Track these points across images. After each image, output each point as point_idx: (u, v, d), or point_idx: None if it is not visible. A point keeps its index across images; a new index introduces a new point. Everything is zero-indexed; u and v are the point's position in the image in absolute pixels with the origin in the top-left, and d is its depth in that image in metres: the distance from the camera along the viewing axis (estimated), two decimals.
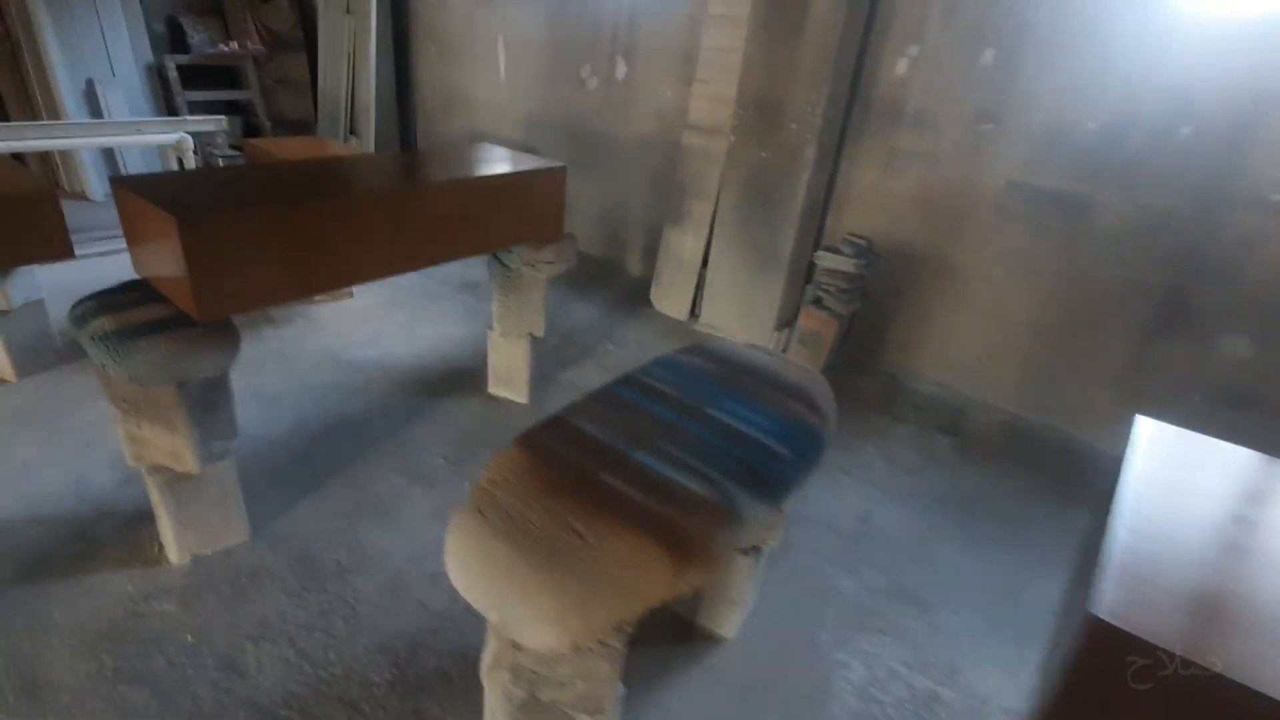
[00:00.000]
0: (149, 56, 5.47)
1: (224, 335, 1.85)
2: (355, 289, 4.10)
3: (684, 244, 4.14)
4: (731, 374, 1.79)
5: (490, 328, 3.09)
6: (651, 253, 4.74)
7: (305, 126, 6.41)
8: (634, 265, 4.90)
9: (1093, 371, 3.15)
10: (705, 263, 4.08)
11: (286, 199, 1.94)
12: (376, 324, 3.79)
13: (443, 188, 2.29)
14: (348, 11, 5.55)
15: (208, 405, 1.97)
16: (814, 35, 3.23)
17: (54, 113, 5.00)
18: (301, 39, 6.17)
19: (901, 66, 3.36)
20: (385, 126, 5.88)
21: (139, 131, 4.30)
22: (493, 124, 5.51)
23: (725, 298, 3.95)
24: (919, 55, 3.29)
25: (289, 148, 3.78)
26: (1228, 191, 2.68)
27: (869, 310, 3.74)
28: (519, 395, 3.17)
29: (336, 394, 3.07)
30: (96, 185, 5.21)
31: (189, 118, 4.47)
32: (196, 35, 5.72)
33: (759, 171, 3.61)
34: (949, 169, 3.33)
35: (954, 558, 2.45)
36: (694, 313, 4.20)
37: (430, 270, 4.47)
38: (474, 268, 4.65)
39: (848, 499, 2.71)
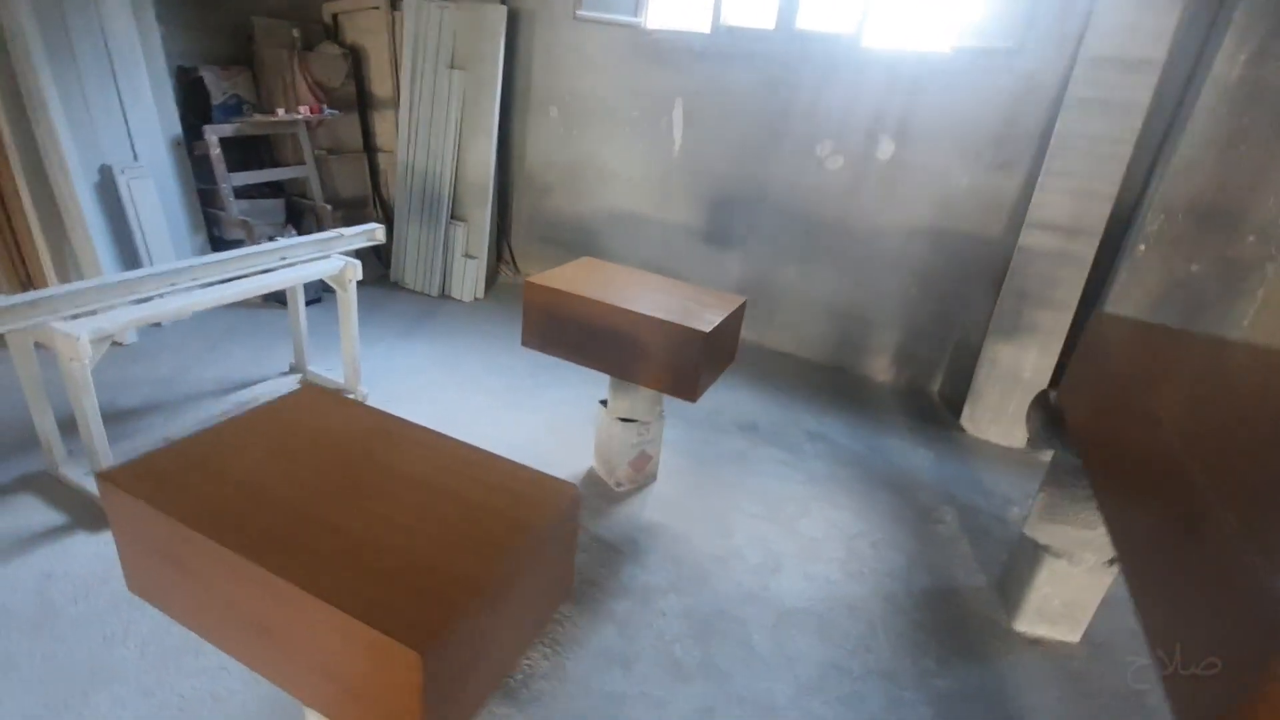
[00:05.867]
0: (176, 129, 3.69)
1: None
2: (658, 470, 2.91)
3: (1022, 360, 3.42)
4: None
5: (1053, 554, 2.18)
6: (907, 357, 3.97)
7: (360, 205, 4.80)
8: (879, 371, 4.09)
9: None
10: (1052, 383, 3.41)
11: None
12: (737, 529, 2.67)
13: None
14: (452, 65, 4.15)
15: None
16: None
17: (54, 222, 3.16)
18: (354, 95, 4.58)
19: None
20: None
21: (283, 260, 2.75)
22: (651, 204, 4.40)
23: None
24: None
25: (573, 278, 2.54)
26: None
27: None
28: (1070, 633, 2.28)
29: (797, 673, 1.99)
30: None
31: (343, 230, 2.95)
32: (223, 94, 3.99)
33: (1182, 287, 2.99)
34: None
35: None
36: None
37: (681, 408, 3.36)
38: (738, 400, 3.58)
39: None
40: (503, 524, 1.20)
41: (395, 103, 4.60)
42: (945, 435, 3.55)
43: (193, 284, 2.47)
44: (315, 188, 4.33)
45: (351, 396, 3.15)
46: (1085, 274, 3.25)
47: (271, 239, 4.02)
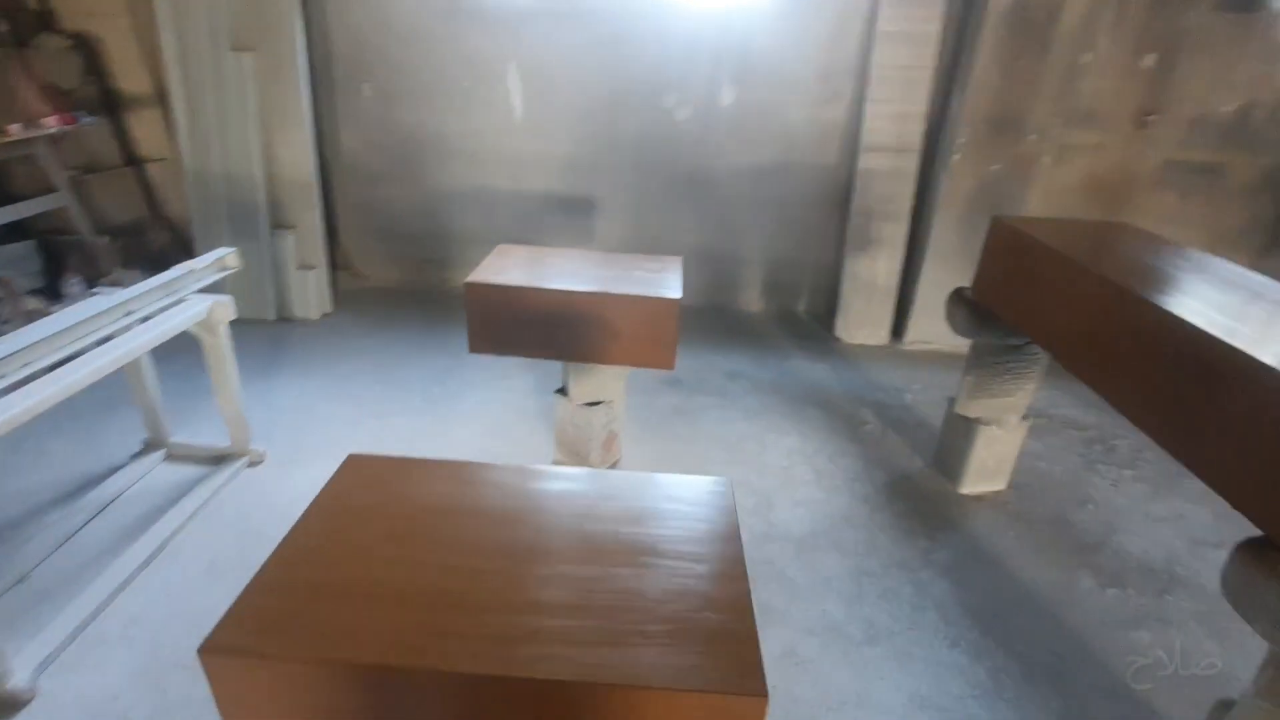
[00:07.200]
0: None
1: None
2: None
3: (875, 270, 3.85)
4: None
5: (984, 423, 2.55)
6: (774, 286, 4.29)
7: (139, 231, 3.83)
8: (751, 303, 4.35)
9: None
10: (903, 283, 3.89)
11: None
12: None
13: None
14: (237, 47, 3.43)
15: None
16: (1060, 51, 3.27)
17: None
18: (98, 97, 3.58)
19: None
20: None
21: (128, 316, 2.14)
22: (500, 177, 4.12)
23: (939, 312, 3.83)
24: (1090, 62, 3.58)
25: (508, 270, 2.34)
26: None
27: None
28: (1000, 483, 2.71)
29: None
30: None
31: (192, 264, 2.34)
32: None
33: (988, 185, 3.55)
34: (1113, 156, 3.75)
35: None
36: (896, 335, 3.99)
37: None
38: None
39: None
40: (699, 538, 1.11)
41: (159, 100, 3.70)
42: (827, 347, 3.91)
43: (22, 372, 1.83)
44: (79, 218, 3.38)
45: (245, 460, 2.61)
46: (913, 186, 3.72)
47: (38, 293, 3.13)
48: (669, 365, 2.30)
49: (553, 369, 3.35)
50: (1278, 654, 1.26)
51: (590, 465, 2.64)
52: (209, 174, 3.58)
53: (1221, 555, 2.37)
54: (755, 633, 0.93)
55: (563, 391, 2.60)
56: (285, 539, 1.09)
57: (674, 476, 1.28)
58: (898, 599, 2.14)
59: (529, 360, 3.34)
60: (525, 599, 0.98)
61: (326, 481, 1.23)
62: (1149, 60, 3.52)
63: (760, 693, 0.85)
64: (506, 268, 2.39)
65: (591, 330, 2.25)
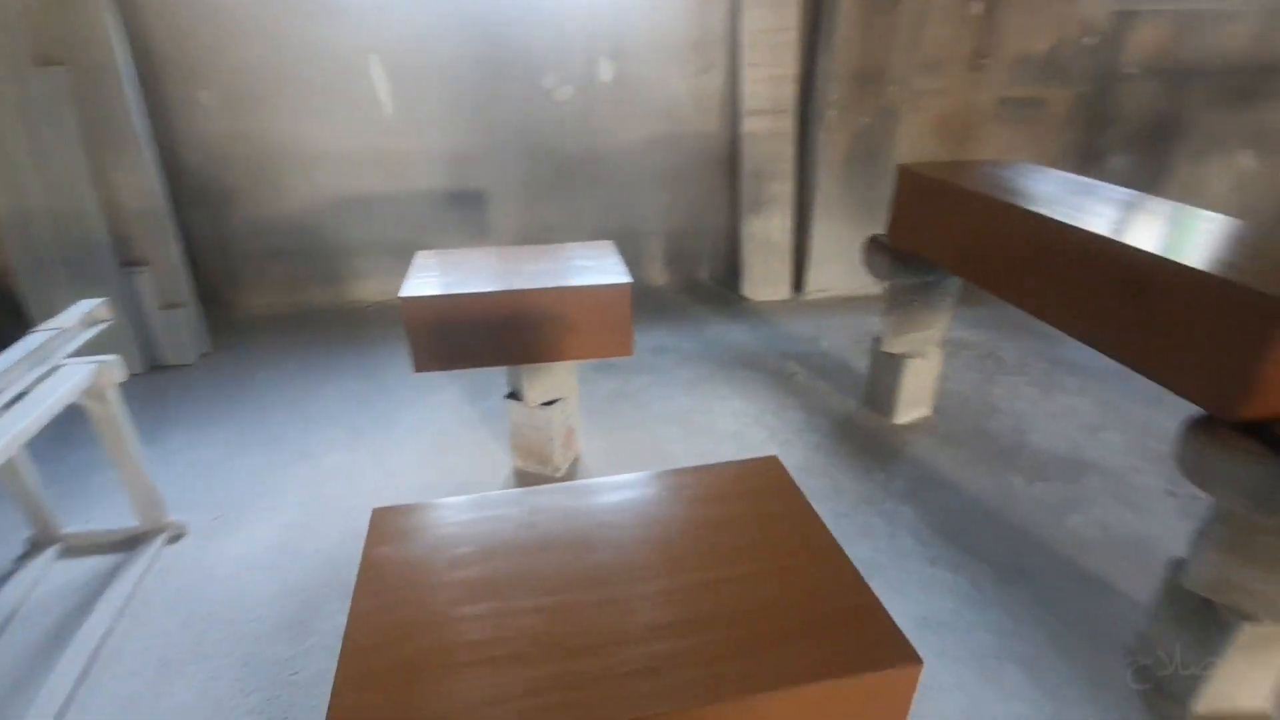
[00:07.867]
0: None
1: None
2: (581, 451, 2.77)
3: (770, 228, 3.99)
4: None
5: (908, 357, 2.74)
6: (675, 256, 4.34)
7: None
8: (656, 276, 4.37)
9: None
10: (796, 239, 4.06)
11: None
12: (680, 456, 2.75)
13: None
14: (43, 61, 2.86)
15: None
16: (907, 4, 3.49)
17: None
18: None
19: None
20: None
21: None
22: (376, 179, 3.81)
23: (834, 261, 4.06)
24: (931, 12, 3.86)
25: (440, 280, 2.19)
26: (1112, 69, 4.20)
27: None
28: (926, 409, 2.95)
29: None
30: None
31: (60, 324, 1.94)
32: None
33: (861, 136, 3.77)
34: (956, 99, 4.11)
35: None
36: (797, 288, 4.17)
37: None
38: None
39: None
40: (778, 524, 1.11)
41: None
42: (738, 309, 4.02)
43: None
44: None
45: (164, 536, 2.27)
46: (793, 145, 3.87)
47: None
48: (627, 352, 2.26)
49: (481, 373, 3.20)
50: (1225, 511, 1.47)
51: (553, 464, 2.56)
52: (29, 214, 2.99)
53: (1113, 438, 2.78)
54: (879, 602, 0.94)
55: (514, 395, 2.48)
56: (350, 620, 0.95)
57: (721, 465, 1.27)
58: (874, 533, 2.28)
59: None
60: (643, 624, 0.93)
61: (364, 545, 1.09)
62: (977, 7, 3.86)
63: (914, 659, 0.86)
64: (437, 276, 2.21)
65: (546, 328, 2.16)
